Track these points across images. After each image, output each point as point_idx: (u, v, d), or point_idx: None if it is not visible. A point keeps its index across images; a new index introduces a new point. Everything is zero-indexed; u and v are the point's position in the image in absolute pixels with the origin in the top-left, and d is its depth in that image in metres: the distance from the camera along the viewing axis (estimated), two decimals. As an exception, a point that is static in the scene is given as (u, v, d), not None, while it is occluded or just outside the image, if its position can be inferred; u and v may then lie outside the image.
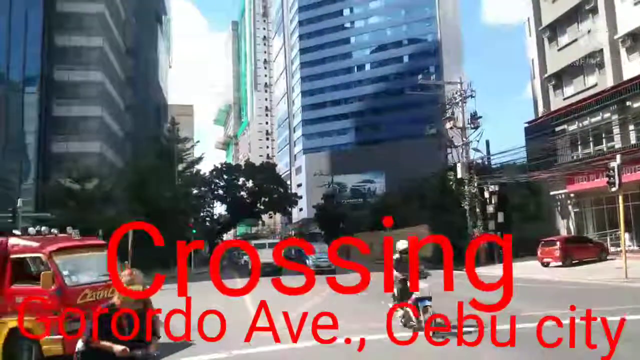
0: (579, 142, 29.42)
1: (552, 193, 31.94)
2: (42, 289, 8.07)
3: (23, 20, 43.36)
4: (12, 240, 9.00)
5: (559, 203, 32.00)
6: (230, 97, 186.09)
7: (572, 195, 30.59)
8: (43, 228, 9.86)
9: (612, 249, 26.27)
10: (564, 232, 30.54)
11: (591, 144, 28.63)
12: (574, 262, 24.11)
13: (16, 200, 29.54)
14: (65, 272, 8.46)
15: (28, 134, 43.57)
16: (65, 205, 33.71)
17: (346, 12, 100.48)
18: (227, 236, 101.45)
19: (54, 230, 9.99)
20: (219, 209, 71.65)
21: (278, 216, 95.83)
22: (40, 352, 8.01)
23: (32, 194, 40.77)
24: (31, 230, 9.71)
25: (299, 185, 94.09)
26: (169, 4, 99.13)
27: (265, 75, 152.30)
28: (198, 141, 74.96)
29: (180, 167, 48.56)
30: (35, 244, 8.89)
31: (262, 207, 70.68)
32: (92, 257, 9.49)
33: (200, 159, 56.73)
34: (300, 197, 79.60)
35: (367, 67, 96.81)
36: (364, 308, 13.92)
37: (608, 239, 27.39)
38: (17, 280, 8.69)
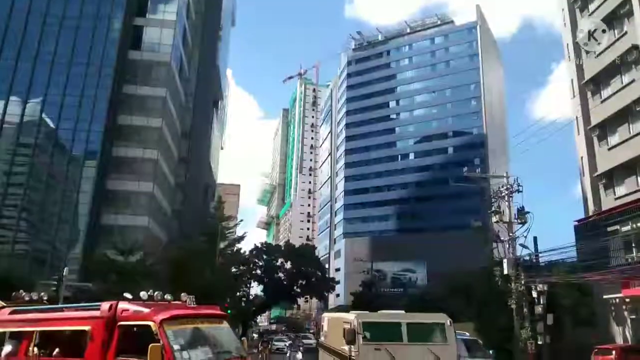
0: (633, 245, 28.07)
1: (605, 296, 30.07)
2: None
3: (92, 100, 47.03)
4: (122, 305, 8.12)
5: (613, 308, 30.01)
6: (275, 179, 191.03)
7: (627, 300, 28.69)
8: (155, 292, 8.85)
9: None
10: (619, 340, 28.33)
11: (647, 247, 27.28)
12: (632, 375, 22.22)
13: (62, 268, 30.53)
14: (176, 346, 7.32)
15: (82, 204, 45.65)
16: (107, 277, 34.24)
17: (392, 104, 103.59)
18: (261, 318, 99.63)
19: (168, 296, 9.10)
20: (256, 289, 70.94)
21: (314, 301, 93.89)
22: None
23: (78, 263, 41.92)
24: (143, 294, 8.72)
25: (337, 270, 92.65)
26: (226, 90, 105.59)
27: (311, 160, 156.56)
28: (241, 220, 76.44)
29: (221, 245, 49.10)
30: (145, 310, 7.83)
31: (298, 290, 69.54)
32: (209, 330, 8.43)
33: (242, 237, 57.26)
34: (338, 282, 78.00)
35: (411, 156, 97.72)
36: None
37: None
38: (122, 352, 7.67)
